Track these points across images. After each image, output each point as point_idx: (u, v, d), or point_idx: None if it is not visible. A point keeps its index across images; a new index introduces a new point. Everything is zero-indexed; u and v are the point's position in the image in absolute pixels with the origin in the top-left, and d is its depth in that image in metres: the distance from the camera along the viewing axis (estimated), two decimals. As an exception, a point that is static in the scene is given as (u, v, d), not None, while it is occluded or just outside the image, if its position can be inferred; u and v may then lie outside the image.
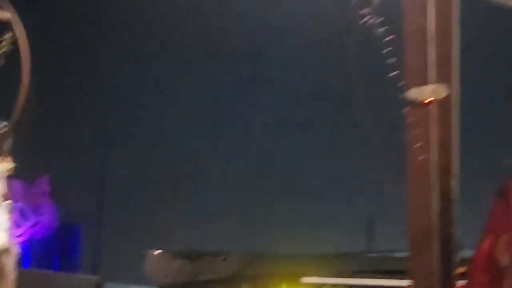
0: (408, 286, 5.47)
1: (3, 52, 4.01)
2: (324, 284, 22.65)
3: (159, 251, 27.16)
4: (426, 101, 5.25)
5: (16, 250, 3.94)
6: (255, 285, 26.26)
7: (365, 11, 4.34)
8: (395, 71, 5.10)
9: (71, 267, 31.50)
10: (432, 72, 5.28)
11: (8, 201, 3.96)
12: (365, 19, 4.39)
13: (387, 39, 4.92)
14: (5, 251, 3.81)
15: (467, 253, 5.94)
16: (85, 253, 38.38)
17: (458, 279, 5.12)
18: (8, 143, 3.95)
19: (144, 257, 27.14)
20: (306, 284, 22.77)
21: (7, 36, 4.03)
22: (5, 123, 4.02)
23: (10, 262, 3.87)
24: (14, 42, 4.04)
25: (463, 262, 4.95)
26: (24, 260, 30.96)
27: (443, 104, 5.35)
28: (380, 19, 4.55)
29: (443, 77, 5.37)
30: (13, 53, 4.12)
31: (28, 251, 28.72)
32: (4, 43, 4.01)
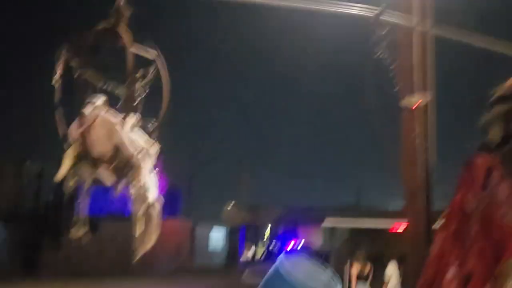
0: (403, 225, 5.36)
1: (148, 81, 3.99)
2: (337, 226, 22.62)
3: (232, 204, 27.49)
4: (414, 106, 5.21)
5: (161, 202, 3.94)
6: (294, 227, 26.38)
7: (378, 48, 4.35)
8: (396, 87, 5.10)
9: (175, 216, 32.02)
10: (417, 88, 5.26)
11: (155, 170, 3.95)
12: (379, 54, 4.40)
13: (392, 67, 4.93)
14: (155, 203, 3.82)
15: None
16: (183, 207, 38.98)
17: (438, 219, 5.04)
18: (154, 138, 3.95)
19: (222, 209, 27.54)
20: (326, 226, 22.79)
21: (151, 69, 4.01)
22: (153, 120, 4.01)
23: (158, 211, 3.89)
24: (157, 74, 4.01)
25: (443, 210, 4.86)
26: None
27: (424, 108, 5.33)
28: (387, 54, 4.56)
29: (424, 91, 5.35)
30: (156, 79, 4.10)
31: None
32: (149, 74, 3.98)
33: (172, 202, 31.21)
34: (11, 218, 30.99)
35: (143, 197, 3.80)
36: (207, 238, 38.76)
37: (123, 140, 3.63)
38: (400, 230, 19.97)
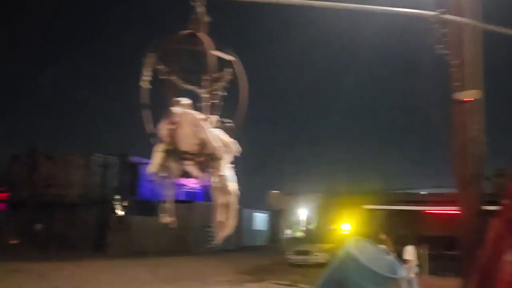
0: (457, 212, 5.17)
1: (227, 83, 3.92)
2: (377, 209, 22.25)
3: (276, 191, 27.48)
4: (466, 100, 5.02)
5: (237, 192, 3.88)
6: (332, 212, 26.11)
7: (438, 46, 4.19)
8: (452, 81, 4.93)
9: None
10: (469, 83, 5.05)
11: (232, 165, 3.89)
12: (438, 50, 4.24)
13: (450, 62, 4.75)
14: (234, 193, 3.76)
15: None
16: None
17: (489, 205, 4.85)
18: (234, 134, 3.89)
19: (266, 195, 27.56)
20: (366, 209, 22.46)
21: (228, 70, 3.93)
22: (231, 121, 3.93)
23: (236, 201, 3.83)
24: (233, 76, 3.93)
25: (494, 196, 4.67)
26: (200, 196, 31.82)
27: (476, 101, 5.12)
28: (446, 50, 4.39)
29: (475, 86, 5.14)
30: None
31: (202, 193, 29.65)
32: (228, 76, 3.91)
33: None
34: (81, 203, 31.90)
35: (224, 187, 3.76)
36: (252, 220, 38.95)
37: (208, 136, 3.60)
38: (431, 212, 19.56)
